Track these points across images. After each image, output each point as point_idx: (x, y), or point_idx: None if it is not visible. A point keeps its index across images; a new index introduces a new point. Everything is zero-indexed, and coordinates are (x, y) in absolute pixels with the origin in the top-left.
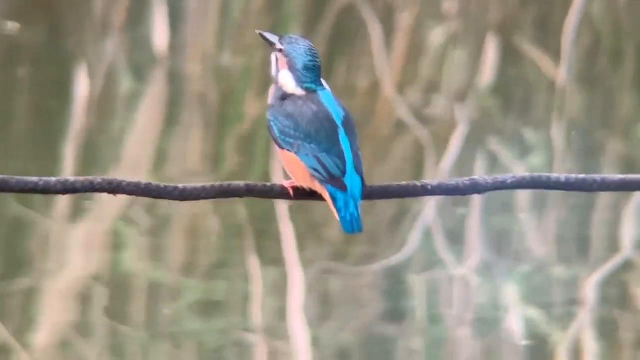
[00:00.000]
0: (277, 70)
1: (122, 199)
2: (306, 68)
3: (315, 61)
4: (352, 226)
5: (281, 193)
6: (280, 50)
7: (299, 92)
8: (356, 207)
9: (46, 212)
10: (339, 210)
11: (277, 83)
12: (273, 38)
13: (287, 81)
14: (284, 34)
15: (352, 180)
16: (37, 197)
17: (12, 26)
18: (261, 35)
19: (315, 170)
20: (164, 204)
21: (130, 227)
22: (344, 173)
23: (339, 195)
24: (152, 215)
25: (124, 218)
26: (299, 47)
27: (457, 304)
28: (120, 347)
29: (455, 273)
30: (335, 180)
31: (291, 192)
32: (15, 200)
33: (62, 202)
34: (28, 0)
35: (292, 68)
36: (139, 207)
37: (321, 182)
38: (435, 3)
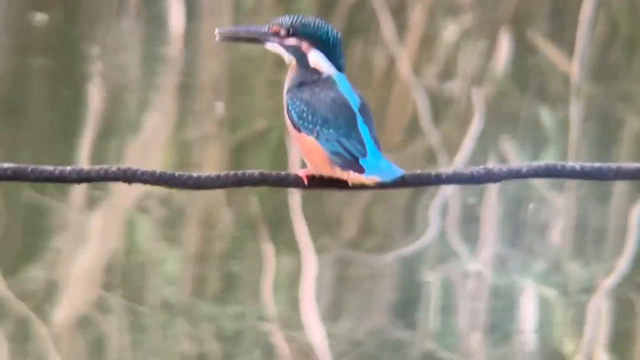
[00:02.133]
0: (301, 55)
1: (137, 189)
2: (337, 42)
3: (339, 34)
4: (392, 172)
5: (295, 181)
6: (295, 34)
7: (332, 70)
8: (383, 159)
9: (62, 199)
10: (370, 173)
11: (297, 68)
12: (262, 29)
13: (320, 61)
14: (270, 21)
15: (374, 158)
16: (52, 188)
17: (41, 17)
18: (237, 38)
19: (337, 154)
20: (179, 194)
21: (145, 215)
22: (364, 155)
23: (364, 163)
24: (166, 205)
25: (138, 207)
26: (319, 24)
27: (471, 296)
28: (139, 325)
29: (469, 266)
30: (355, 165)
31: (306, 180)
32: (31, 189)
33: (77, 191)
34: None
35: (322, 47)
36: (153, 199)
37: (341, 167)
38: None
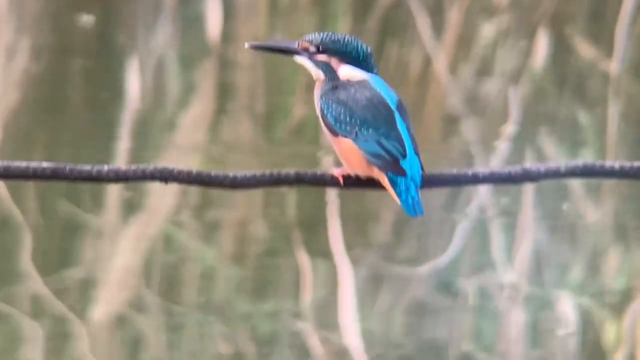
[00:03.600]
0: (331, 70)
1: (174, 190)
2: (367, 55)
3: (368, 47)
4: (414, 209)
5: (331, 181)
6: (325, 51)
7: (365, 75)
8: (417, 190)
9: (96, 209)
10: (399, 195)
11: (327, 80)
12: (291, 45)
13: (354, 74)
14: (300, 38)
15: (411, 164)
16: (87, 198)
17: (87, 19)
18: (268, 48)
19: (376, 155)
20: (215, 195)
21: (181, 217)
22: (404, 156)
23: (399, 179)
24: (203, 207)
25: (175, 208)
26: (348, 41)
27: (508, 298)
28: (175, 324)
29: (506, 272)
30: (394, 165)
31: (341, 180)
32: (66, 199)
33: (112, 195)
34: None
35: (352, 61)
36: (190, 199)
37: (380, 168)
38: None
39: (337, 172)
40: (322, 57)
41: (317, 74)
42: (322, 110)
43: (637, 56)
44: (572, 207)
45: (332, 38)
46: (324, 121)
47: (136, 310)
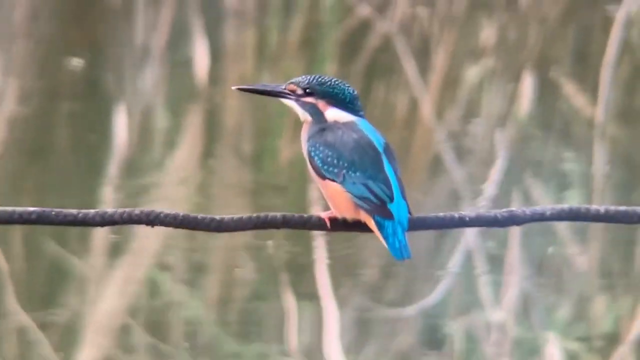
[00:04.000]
0: (318, 112)
1: (160, 232)
2: (354, 98)
3: (355, 90)
4: (401, 253)
5: (318, 224)
6: (311, 94)
7: (352, 117)
8: (404, 234)
9: (83, 253)
10: (386, 238)
11: (313, 123)
12: (278, 87)
13: (341, 116)
14: (287, 81)
15: (398, 207)
16: (74, 239)
17: (77, 62)
18: (255, 90)
19: (363, 198)
20: (202, 236)
21: (167, 263)
22: (391, 199)
23: (387, 223)
24: (189, 247)
25: (161, 250)
26: (335, 84)
27: (495, 342)
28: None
29: (492, 314)
30: (382, 209)
31: (328, 223)
32: (53, 240)
33: (98, 239)
34: (69, 32)
35: (339, 104)
36: (176, 241)
37: (367, 211)
38: (471, 38)
39: (324, 215)
40: (309, 100)
41: (304, 116)
42: (309, 153)
43: (622, 100)
44: (558, 251)
45: (319, 80)
46: (311, 164)
47: (122, 354)
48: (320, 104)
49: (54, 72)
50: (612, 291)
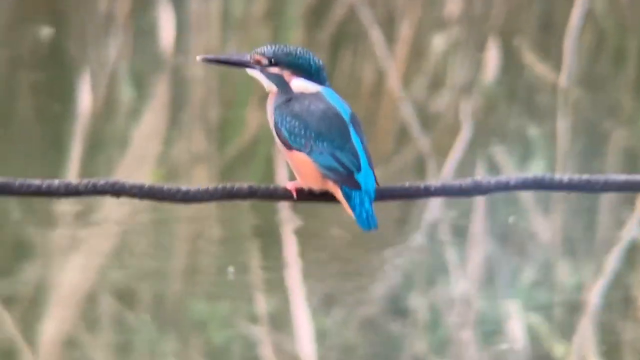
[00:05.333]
0: (284, 83)
1: (125, 205)
2: (320, 68)
3: (320, 60)
4: (368, 223)
5: (285, 195)
6: (277, 64)
7: (318, 87)
8: (370, 204)
9: (47, 225)
10: (353, 208)
11: (279, 93)
12: (243, 58)
13: (307, 86)
14: (252, 51)
15: (366, 177)
16: (39, 207)
17: (47, 31)
18: (219, 61)
19: (331, 169)
20: (168, 209)
21: (134, 233)
22: (359, 169)
23: (354, 193)
24: (155, 220)
25: (127, 223)
26: (301, 54)
27: (460, 309)
28: (128, 340)
29: (457, 283)
30: (349, 179)
31: (294, 193)
32: (18, 208)
33: (65, 212)
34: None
35: (305, 74)
36: (142, 214)
37: (335, 181)
38: (435, 8)
39: (290, 185)
40: (274, 70)
41: (270, 86)
42: (275, 124)
43: (585, 68)
44: (521, 220)
45: (285, 50)
46: (277, 134)
47: (87, 327)
48: (286, 74)
49: (18, 41)
50: (575, 258)
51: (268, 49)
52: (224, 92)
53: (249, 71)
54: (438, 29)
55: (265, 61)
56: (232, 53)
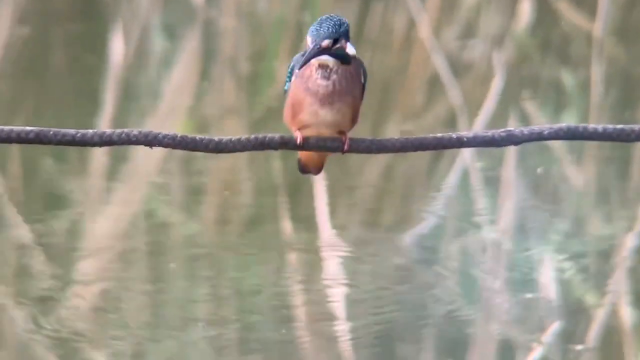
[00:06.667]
0: (345, 55)
1: (158, 154)
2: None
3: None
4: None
5: (314, 145)
6: (336, 40)
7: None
8: None
9: (82, 173)
10: None
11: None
12: (317, 52)
13: (352, 50)
14: (316, 39)
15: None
16: (73, 160)
17: None
18: (304, 65)
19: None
20: (200, 159)
21: (165, 184)
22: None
23: None
24: (187, 171)
25: (159, 173)
26: (343, 21)
27: (492, 260)
28: (161, 276)
29: (489, 233)
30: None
31: (300, 139)
32: (52, 161)
33: (98, 163)
34: None
35: (348, 37)
36: (174, 164)
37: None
38: None
39: (298, 132)
40: (338, 46)
41: (335, 63)
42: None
43: (620, 18)
44: (555, 170)
45: (337, 23)
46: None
47: (120, 271)
48: (343, 43)
49: None
50: (608, 208)
51: (326, 31)
52: (255, 44)
53: (323, 59)
54: None
55: (330, 43)
56: (304, 53)
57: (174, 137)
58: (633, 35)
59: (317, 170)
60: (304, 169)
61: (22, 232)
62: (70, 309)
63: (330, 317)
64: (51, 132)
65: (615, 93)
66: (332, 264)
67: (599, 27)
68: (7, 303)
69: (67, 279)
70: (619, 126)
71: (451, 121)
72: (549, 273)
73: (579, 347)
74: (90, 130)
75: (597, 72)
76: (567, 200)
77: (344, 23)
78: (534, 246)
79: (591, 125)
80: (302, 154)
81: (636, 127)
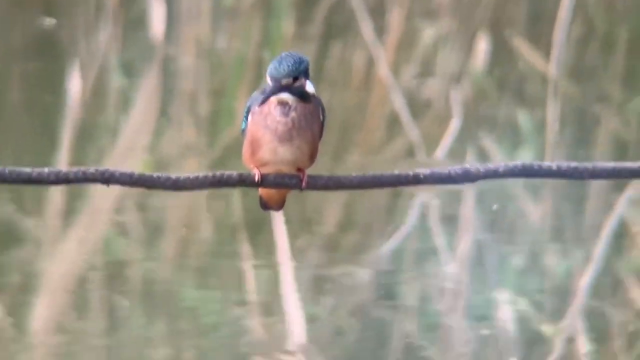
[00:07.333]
0: (304, 93)
1: (115, 192)
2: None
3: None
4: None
5: (272, 182)
6: (297, 78)
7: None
8: None
9: (37, 213)
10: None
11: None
12: (279, 90)
13: (311, 88)
14: (280, 77)
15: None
16: (30, 199)
17: (49, 21)
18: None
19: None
20: (158, 197)
21: (123, 222)
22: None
23: None
24: (145, 209)
25: (117, 211)
26: (303, 58)
27: (449, 296)
28: (118, 322)
29: (447, 266)
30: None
31: (257, 176)
32: (9, 200)
33: (55, 202)
34: None
35: (307, 75)
36: (130, 203)
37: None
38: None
39: (256, 171)
40: (298, 84)
41: (295, 101)
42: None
43: (575, 59)
44: (511, 207)
45: (299, 62)
46: (320, 134)
47: (77, 314)
48: (303, 82)
49: (8, 31)
50: (564, 245)
51: (287, 69)
52: (215, 81)
53: (283, 96)
54: (428, 18)
55: (290, 81)
56: (265, 91)
57: (131, 175)
58: (587, 74)
59: (279, 207)
60: (266, 205)
61: None
62: (26, 350)
63: (289, 353)
64: (7, 171)
65: (570, 131)
66: (291, 300)
67: (553, 67)
68: None
69: (20, 320)
70: (573, 164)
71: (409, 158)
72: (506, 308)
73: None
74: (47, 169)
75: (552, 111)
76: (524, 236)
77: (304, 61)
78: (491, 282)
79: (546, 163)
80: (262, 191)
81: (589, 165)
